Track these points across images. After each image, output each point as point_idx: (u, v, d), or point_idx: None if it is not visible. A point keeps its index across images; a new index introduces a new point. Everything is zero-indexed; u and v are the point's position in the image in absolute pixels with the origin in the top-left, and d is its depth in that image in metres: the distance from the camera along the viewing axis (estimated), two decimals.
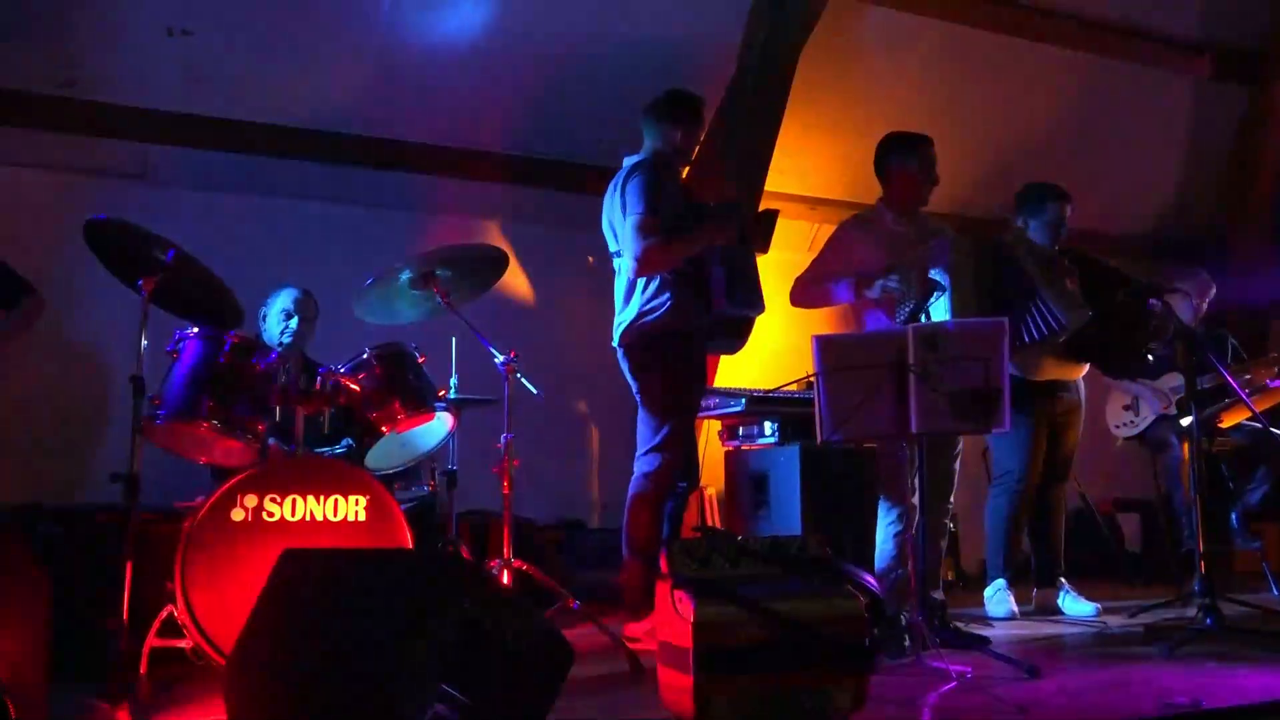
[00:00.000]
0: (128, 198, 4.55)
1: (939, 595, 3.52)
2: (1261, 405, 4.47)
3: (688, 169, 3.97)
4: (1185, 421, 3.83)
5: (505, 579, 3.15)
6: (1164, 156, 6.80)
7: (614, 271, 3.78)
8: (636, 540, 3.60)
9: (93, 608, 3.05)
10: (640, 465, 3.66)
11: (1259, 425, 4.37)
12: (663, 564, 2.47)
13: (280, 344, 3.69)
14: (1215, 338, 4.98)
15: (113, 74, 4.47)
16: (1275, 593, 4.69)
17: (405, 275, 3.37)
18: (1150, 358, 4.85)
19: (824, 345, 2.93)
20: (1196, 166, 6.88)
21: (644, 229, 3.48)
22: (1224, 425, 4.74)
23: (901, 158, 3.78)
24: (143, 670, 2.66)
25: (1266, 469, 4.85)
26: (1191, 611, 3.85)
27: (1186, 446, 4.66)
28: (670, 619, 2.37)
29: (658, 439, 3.60)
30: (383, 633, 1.84)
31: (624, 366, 3.73)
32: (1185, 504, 4.72)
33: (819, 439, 2.96)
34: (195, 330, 3.06)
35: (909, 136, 3.82)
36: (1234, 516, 4.88)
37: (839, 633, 2.33)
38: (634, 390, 3.71)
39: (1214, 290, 4.92)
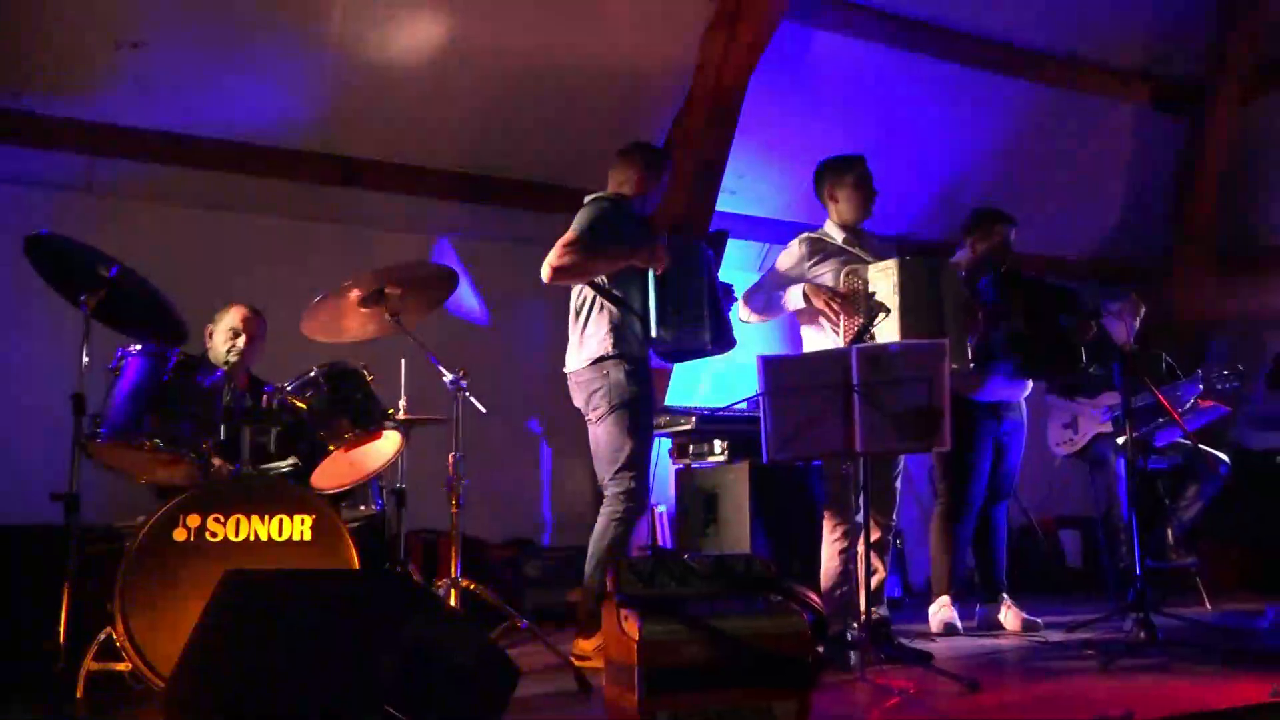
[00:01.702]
0: (70, 210, 4.49)
1: (883, 611, 3.57)
2: (1193, 424, 4.60)
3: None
4: (1121, 440, 3.93)
5: (453, 598, 3.14)
6: (1107, 182, 6.99)
7: (568, 292, 3.81)
8: (601, 558, 3.60)
9: (28, 629, 2.99)
10: (610, 488, 3.67)
11: (1190, 443, 4.50)
12: (609, 582, 2.49)
13: (227, 362, 3.65)
14: (1150, 357, 5.13)
15: (60, 85, 4.40)
16: (1209, 607, 4.82)
17: (354, 293, 3.36)
18: (1089, 376, 5.00)
19: (769, 365, 2.98)
20: (1138, 192, 7.08)
21: (566, 242, 3.54)
22: (1160, 445, 4.87)
23: (837, 177, 3.85)
24: (79, 694, 2.61)
25: (1199, 486, 4.99)
26: (1127, 626, 3.96)
27: (1122, 463, 4.78)
28: (617, 637, 2.39)
29: (622, 461, 3.62)
30: (327, 656, 1.83)
31: (575, 394, 3.75)
32: (1123, 520, 4.84)
33: (765, 458, 3.00)
34: (139, 347, 3.02)
35: (841, 157, 3.90)
36: (1169, 532, 5.01)
37: (783, 650, 2.37)
38: (586, 416, 3.73)
39: (1144, 310, 5.06)
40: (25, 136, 4.42)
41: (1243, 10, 6.60)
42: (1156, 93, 6.71)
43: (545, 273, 3.56)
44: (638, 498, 3.61)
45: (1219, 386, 4.76)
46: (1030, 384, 4.44)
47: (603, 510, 3.66)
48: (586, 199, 3.79)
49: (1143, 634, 3.46)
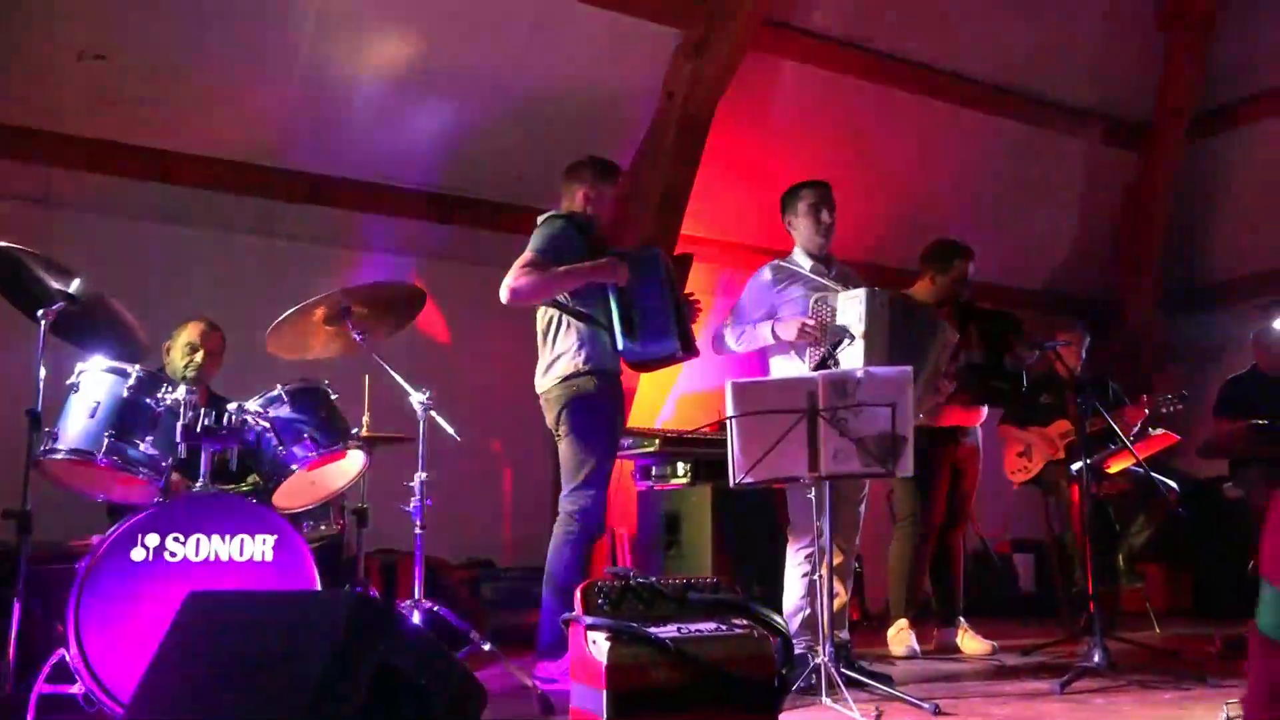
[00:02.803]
0: (29, 222, 4.40)
1: (845, 635, 3.60)
2: (1144, 451, 4.72)
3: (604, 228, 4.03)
4: (1075, 466, 4.02)
5: (415, 619, 3.11)
6: (1059, 215, 7.18)
7: (532, 314, 3.81)
8: (558, 580, 3.60)
9: None
10: (565, 504, 3.67)
11: (1141, 470, 4.61)
12: (577, 605, 2.49)
13: (184, 378, 3.59)
14: (1099, 385, 5.25)
15: (19, 95, 4.34)
16: (1158, 630, 4.92)
17: (321, 310, 3.33)
18: (1041, 405, 5.11)
19: (737, 390, 3.01)
20: (1088, 226, 7.28)
21: (525, 262, 3.55)
22: (1110, 470, 4.98)
23: (794, 202, 3.88)
24: (30, 717, 2.55)
25: (1149, 513, 5.11)
26: (1081, 649, 4.03)
27: (1075, 490, 4.89)
28: (584, 660, 2.39)
29: (579, 480, 3.62)
30: (294, 679, 1.80)
31: (546, 413, 3.75)
32: (1075, 545, 4.94)
33: (732, 482, 3.02)
34: (98, 362, 2.96)
35: (800, 184, 3.94)
36: (1119, 558, 5.12)
37: (749, 673, 2.38)
38: (555, 435, 3.73)
39: (1089, 340, 5.19)
40: None
41: (1189, 57, 6.85)
42: (1107, 131, 6.93)
43: (504, 294, 3.56)
44: (591, 517, 3.60)
45: (1164, 410, 4.88)
46: (985, 411, 4.53)
47: (556, 529, 3.65)
48: (540, 218, 3.80)
49: (1097, 657, 3.52)
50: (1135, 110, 6.97)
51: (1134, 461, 4.53)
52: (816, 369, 3.36)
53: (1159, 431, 4.74)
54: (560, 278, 3.60)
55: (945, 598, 4.53)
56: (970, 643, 4.36)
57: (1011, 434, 5.23)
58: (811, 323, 3.56)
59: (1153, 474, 4.41)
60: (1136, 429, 4.88)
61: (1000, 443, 5.24)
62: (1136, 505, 5.13)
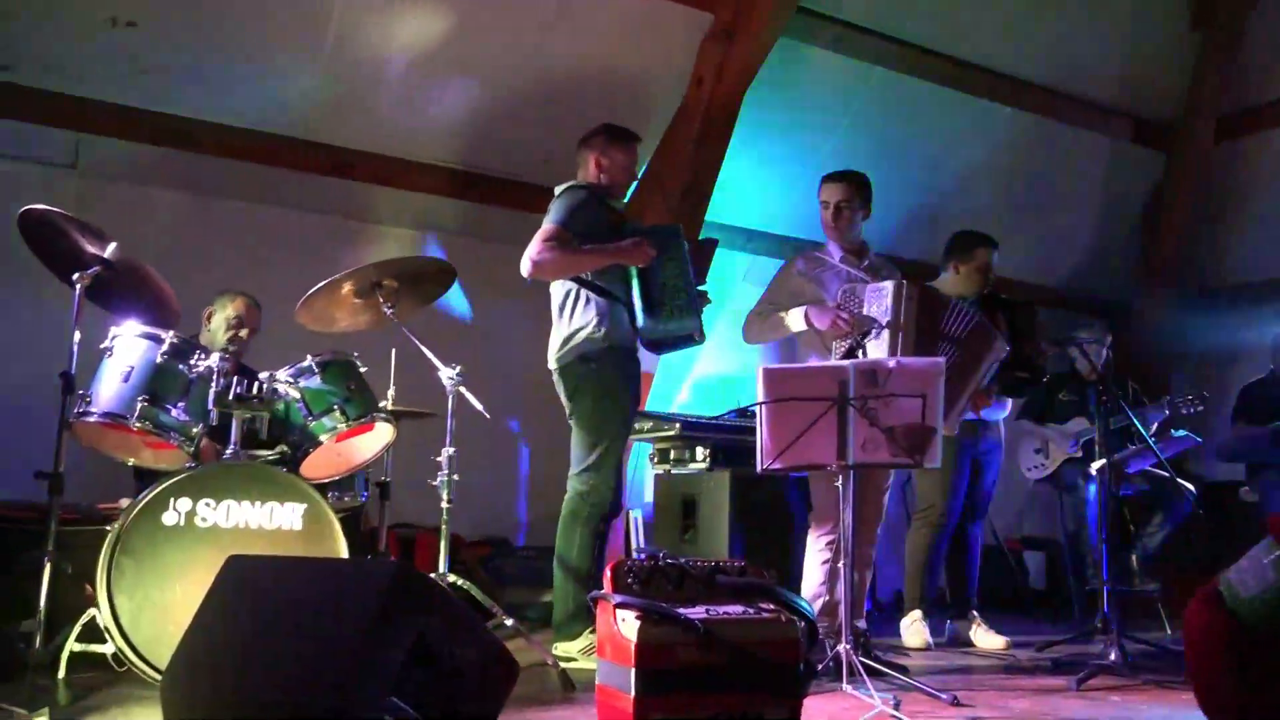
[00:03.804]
0: (57, 187, 4.41)
1: (862, 624, 3.62)
2: (1165, 453, 4.71)
3: (624, 198, 4.03)
4: (1095, 465, 4.01)
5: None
6: (1081, 212, 7.15)
7: (549, 292, 3.81)
8: (569, 560, 3.62)
9: (4, 608, 2.94)
10: (574, 485, 3.68)
11: (1162, 472, 4.60)
12: (606, 583, 2.50)
13: (226, 350, 3.61)
14: (1118, 385, 5.24)
15: (50, 61, 4.34)
16: (1169, 631, 4.93)
17: (350, 284, 3.34)
18: (1060, 402, 5.10)
19: (769, 376, 3.01)
20: (1111, 224, 7.25)
21: (549, 236, 3.53)
22: (1130, 471, 4.98)
23: (820, 192, 3.87)
24: (61, 675, 2.57)
25: (1166, 514, 5.10)
26: (1093, 647, 4.05)
27: (1092, 488, 4.88)
28: (612, 638, 2.40)
29: (591, 459, 3.63)
30: (334, 644, 1.82)
31: (559, 388, 3.75)
32: (1090, 544, 4.94)
33: (759, 467, 3.03)
34: (132, 328, 2.98)
35: (829, 174, 3.94)
36: (1134, 558, 5.12)
37: (776, 657, 2.40)
38: (568, 411, 3.74)
39: (1110, 338, 5.18)
40: (14, 110, 4.35)
41: (1219, 56, 6.81)
42: (1135, 129, 6.89)
43: (525, 267, 3.55)
44: (602, 498, 3.59)
45: (1184, 411, 4.88)
46: (1010, 405, 4.52)
47: (564, 508, 3.64)
48: (559, 189, 3.77)
49: (1113, 655, 3.53)
50: (1163, 109, 6.94)
51: (1155, 462, 4.53)
52: (844, 359, 3.37)
53: (1181, 433, 4.73)
54: (585, 256, 3.59)
55: (960, 590, 4.54)
56: (984, 637, 4.37)
57: (1028, 430, 5.23)
58: (843, 314, 3.56)
59: (1170, 475, 4.42)
60: (1155, 429, 4.88)
61: (1017, 438, 5.23)
62: (1152, 506, 5.13)
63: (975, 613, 4.47)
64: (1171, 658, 4.00)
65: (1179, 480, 4.94)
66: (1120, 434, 4.76)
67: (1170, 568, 5.39)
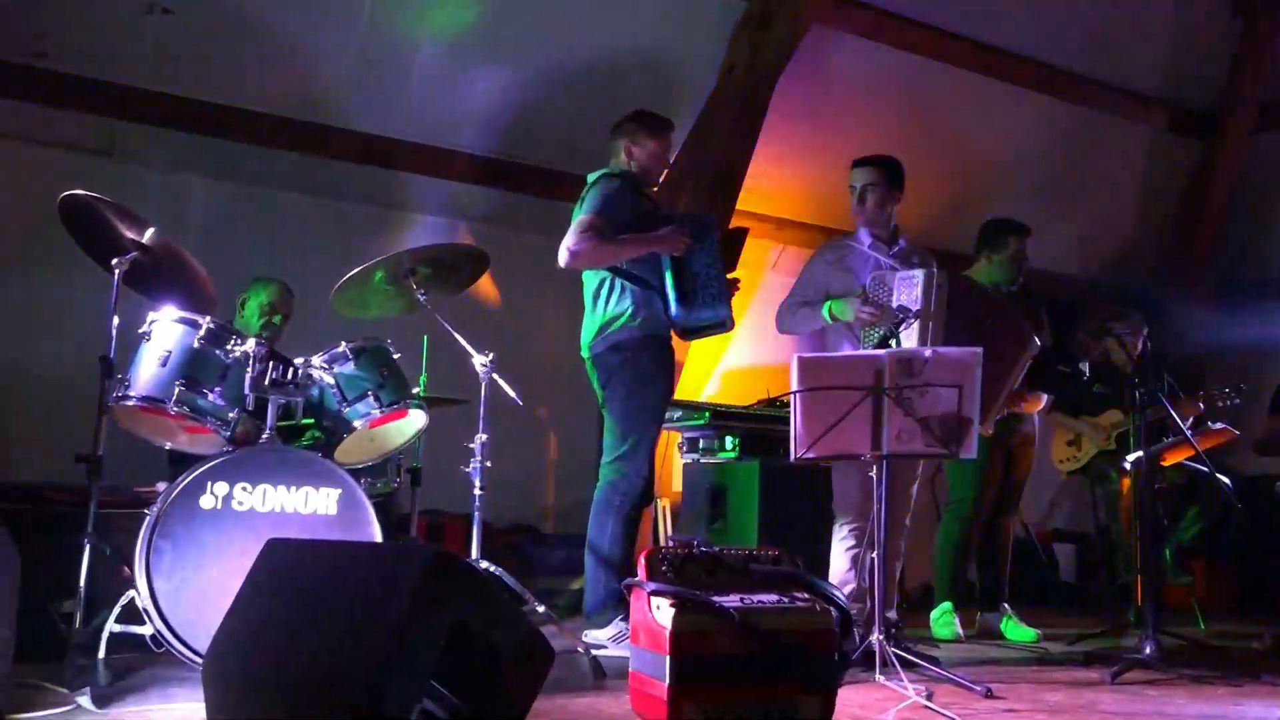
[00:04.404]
0: (92, 173, 4.44)
1: (893, 615, 3.60)
2: (1202, 446, 4.64)
3: (657, 186, 4.01)
4: (1131, 458, 3.96)
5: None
6: (1117, 202, 7.05)
7: (581, 280, 3.81)
8: (600, 548, 3.62)
9: (40, 588, 2.97)
10: (606, 474, 3.68)
11: (1198, 466, 4.54)
12: (640, 571, 2.50)
13: (261, 336, 3.64)
14: (1156, 376, 5.16)
15: (84, 47, 4.36)
16: (1203, 626, 4.88)
17: (383, 271, 3.35)
18: (1093, 394, 5.04)
19: (804, 365, 2.99)
20: (1146, 214, 7.15)
21: (586, 226, 3.53)
22: (1166, 463, 4.91)
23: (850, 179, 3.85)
24: (101, 655, 2.61)
25: (1200, 508, 5.04)
26: (1126, 641, 4.01)
27: (1125, 482, 4.83)
28: (646, 626, 2.40)
29: (624, 447, 3.63)
30: (374, 628, 1.83)
31: (592, 376, 3.75)
32: (1123, 537, 4.89)
33: (793, 456, 3.01)
34: (169, 313, 3.00)
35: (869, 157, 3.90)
36: (1167, 552, 5.07)
37: (810, 647, 2.39)
38: (601, 399, 3.74)
39: (1146, 330, 5.11)
40: (49, 96, 4.37)
41: (1260, 44, 6.68)
42: (1173, 117, 6.77)
43: (563, 257, 3.55)
44: (635, 486, 3.60)
45: (1220, 404, 4.80)
46: (1045, 398, 4.47)
47: (597, 496, 3.65)
48: (591, 176, 3.76)
49: (1148, 649, 3.49)
50: (1202, 98, 6.82)
51: (1190, 455, 4.47)
52: (877, 348, 3.34)
53: (1218, 425, 4.66)
54: (622, 245, 3.59)
55: (991, 583, 4.51)
56: (1015, 630, 4.34)
57: (1061, 422, 5.17)
58: (868, 309, 3.54)
59: (1205, 469, 4.35)
60: (1191, 422, 4.80)
61: (1049, 430, 5.18)
62: (1187, 500, 5.06)
63: (1006, 605, 4.44)
64: (1206, 653, 3.96)
65: (1215, 474, 4.88)
66: (1156, 427, 4.70)
67: (1203, 562, 5.34)
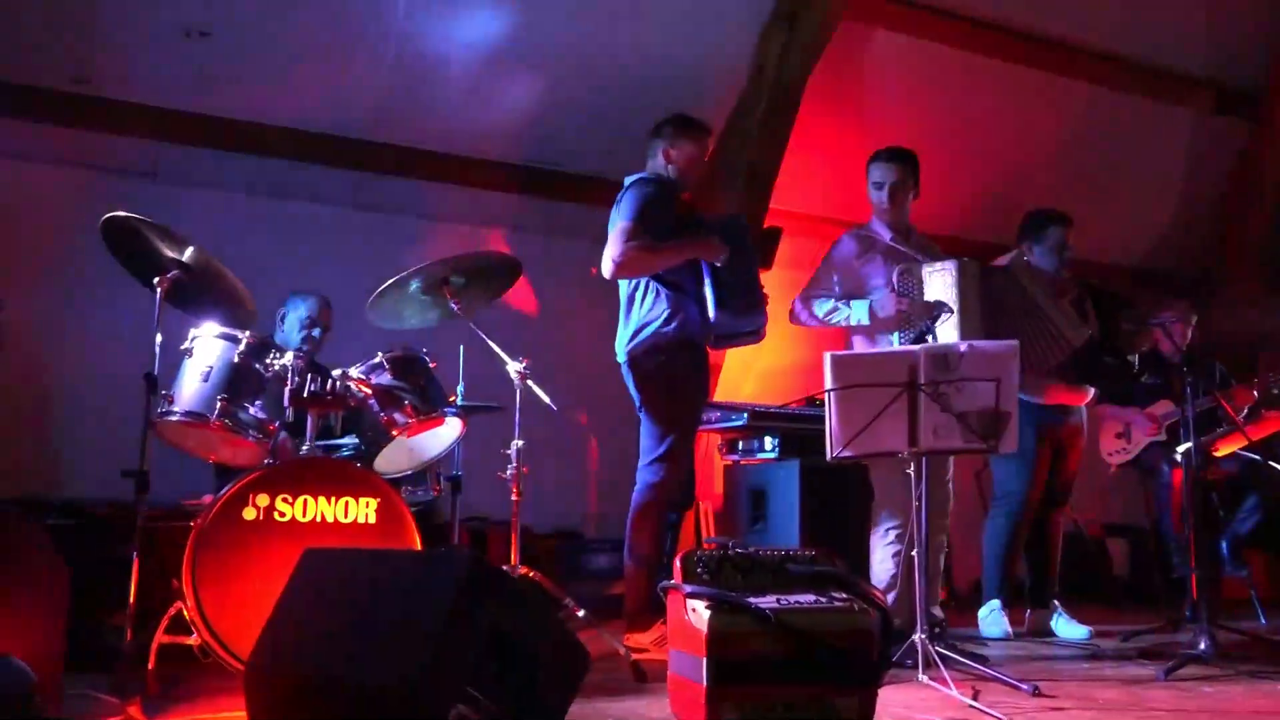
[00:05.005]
0: (138, 195, 4.53)
1: (938, 613, 3.55)
2: (1255, 435, 4.53)
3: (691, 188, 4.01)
4: (1181, 449, 3.87)
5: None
6: (1162, 188, 6.90)
7: (616, 285, 3.82)
8: (639, 551, 3.62)
9: (94, 601, 3.05)
10: (643, 476, 3.69)
11: (1252, 455, 4.43)
12: (676, 573, 2.49)
13: (300, 350, 3.70)
14: (1204, 366, 5.05)
15: (126, 72, 4.47)
16: (1263, 621, 4.74)
17: (418, 281, 3.39)
18: (1142, 385, 4.94)
19: (837, 362, 2.97)
20: (1192, 200, 6.99)
21: (628, 235, 3.54)
22: (1218, 453, 4.79)
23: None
24: (151, 665, 2.66)
25: (1257, 499, 4.91)
26: (1181, 637, 3.91)
27: (1178, 473, 4.72)
28: (683, 628, 2.40)
29: (661, 450, 3.64)
30: (411, 635, 1.85)
31: (628, 380, 3.76)
32: (1176, 530, 4.78)
33: (829, 455, 2.99)
34: (210, 329, 3.07)
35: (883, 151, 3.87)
36: (1224, 544, 4.94)
37: (849, 647, 2.36)
38: (637, 403, 3.74)
39: (1195, 318, 5.00)
40: (95, 121, 4.49)
41: None
42: (1218, 99, 6.61)
43: (608, 269, 3.58)
44: (672, 490, 3.60)
45: (1275, 391, 4.67)
46: (1093, 391, 4.39)
47: (635, 500, 3.65)
48: (627, 180, 3.77)
49: (1203, 645, 3.41)
50: (1248, 77, 6.64)
51: (1244, 444, 4.36)
52: (914, 343, 3.30)
53: (1273, 413, 4.53)
54: (664, 252, 3.60)
55: (1040, 579, 4.43)
56: (1065, 627, 4.26)
57: (1110, 414, 5.07)
58: (905, 305, 3.50)
59: (1271, 462, 4.25)
60: (1245, 411, 4.68)
61: (1098, 422, 5.08)
62: (1243, 490, 4.93)
63: (1056, 602, 4.36)
64: (1267, 647, 3.85)
65: (1269, 462, 4.76)
66: (1207, 417, 4.59)
67: (1263, 553, 5.19)
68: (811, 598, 2.42)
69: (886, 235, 3.79)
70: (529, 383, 3.39)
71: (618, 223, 3.61)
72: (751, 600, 2.35)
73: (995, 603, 4.26)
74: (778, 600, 2.38)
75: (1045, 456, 4.27)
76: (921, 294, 3.53)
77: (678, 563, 2.50)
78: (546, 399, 3.41)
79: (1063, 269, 4.29)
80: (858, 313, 3.64)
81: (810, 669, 2.33)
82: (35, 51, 4.28)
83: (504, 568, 3.24)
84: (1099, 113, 6.29)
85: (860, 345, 3.76)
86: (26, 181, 4.44)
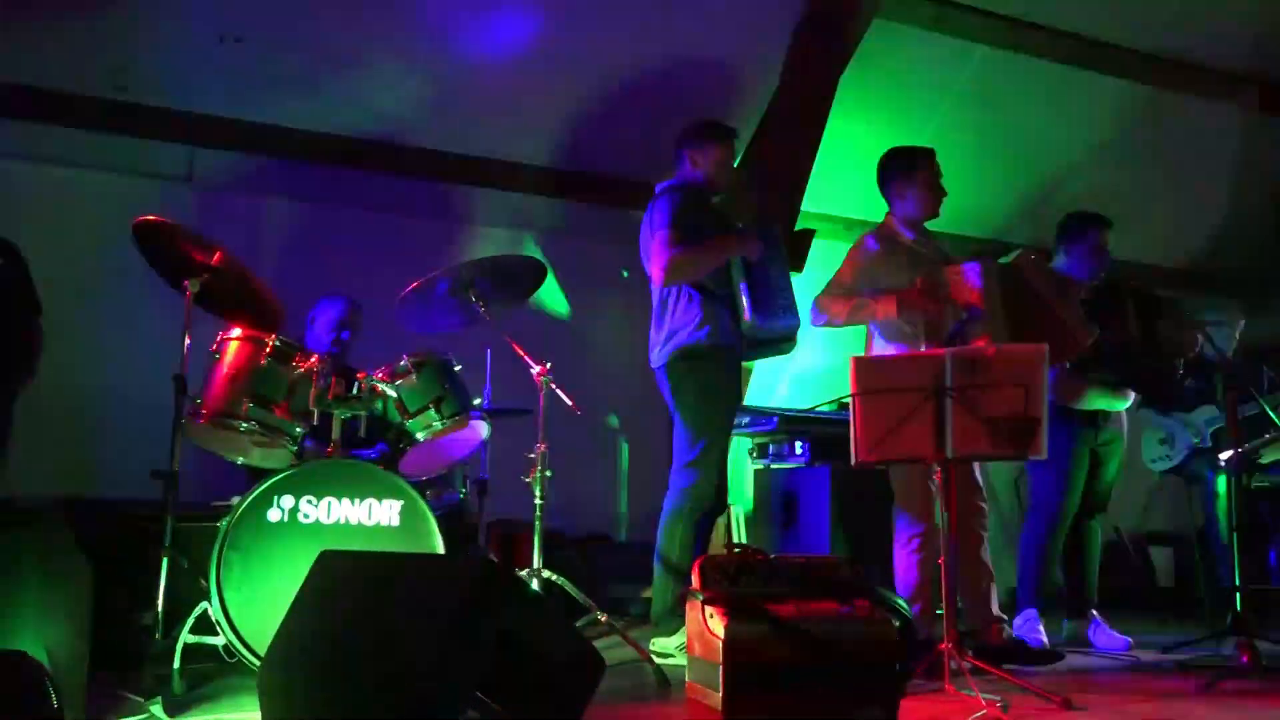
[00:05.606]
0: (173, 200, 4.63)
1: (996, 610, 3.48)
2: None
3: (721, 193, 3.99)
4: (1224, 456, 3.76)
5: (534, 587, 3.15)
6: (1209, 188, 6.73)
7: (648, 289, 3.80)
8: (670, 556, 3.60)
9: (122, 601, 3.09)
10: (676, 480, 3.66)
11: None
12: (695, 579, 2.47)
13: (330, 352, 3.74)
14: (1251, 370, 4.91)
15: (162, 78, 4.55)
16: None
17: (445, 284, 3.40)
18: (1186, 390, 4.81)
19: (862, 366, 2.92)
20: (1242, 199, 6.81)
21: (669, 242, 3.54)
22: (1263, 460, 4.65)
23: (906, 172, 3.76)
24: (177, 664, 2.69)
25: None
26: (1225, 650, 3.80)
27: (1222, 481, 4.59)
28: (702, 634, 2.37)
29: (694, 455, 3.61)
30: (422, 637, 1.84)
31: (662, 386, 3.74)
32: (1221, 539, 4.65)
33: (854, 460, 2.94)
34: (238, 331, 3.10)
35: (909, 151, 3.80)
36: (1272, 554, 4.80)
37: (870, 656, 2.33)
38: (671, 408, 3.72)
39: (1244, 322, 4.86)
40: (130, 127, 4.57)
41: None
42: (1265, 94, 6.42)
43: (659, 278, 3.58)
44: (704, 494, 3.57)
45: None
46: (1133, 396, 4.28)
47: (666, 504, 3.63)
48: (657, 189, 3.76)
49: (1243, 658, 3.30)
50: None
51: None
52: (944, 345, 3.24)
53: None
54: (706, 252, 3.59)
55: (1078, 588, 4.33)
56: (1104, 637, 4.16)
57: (1153, 420, 4.95)
58: (932, 304, 3.44)
59: None
60: None
61: (1140, 428, 4.96)
62: None
63: (1094, 612, 4.26)
64: None
65: None
66: (1254, 422, 4.46)
67: None
68: (832, 606, 2.39)
69: (910, 235, 3.74)
70: (553, 386, 3.38)
71: (655, 234, 3.60)
72: (770, 608, 2.32)
73: (1030, 611, 4.17)
74: (797, 608, 2.35)
75: (1082, 463, 4.17)
76: (948, 295, 3.47)
77: (696, 569, 2.48)
78: (570, 402, 3.40)
79: (1102, 272, 4.19)
80: (883, 308, 3.58)
81: (830, 678, 2.30)
82: (75, 60, 4.37)
83: (526, 570, 3.24)
84: (1142, 111, 6.14)
85: (880, 348, 3.71)
86: (66, 187, 4.53)
